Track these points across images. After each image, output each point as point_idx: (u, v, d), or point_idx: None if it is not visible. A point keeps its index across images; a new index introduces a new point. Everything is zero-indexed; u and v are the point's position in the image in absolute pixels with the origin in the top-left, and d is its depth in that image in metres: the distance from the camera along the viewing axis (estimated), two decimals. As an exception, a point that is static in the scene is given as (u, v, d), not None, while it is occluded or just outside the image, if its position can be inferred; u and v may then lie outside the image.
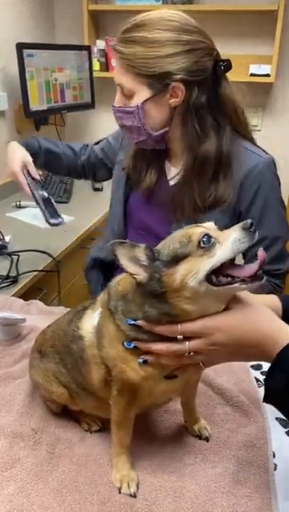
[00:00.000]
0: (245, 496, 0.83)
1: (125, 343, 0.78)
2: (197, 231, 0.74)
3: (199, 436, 0.96)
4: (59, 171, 1.74)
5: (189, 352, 0.75)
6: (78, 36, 2.91)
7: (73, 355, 0.89)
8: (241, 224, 0.73)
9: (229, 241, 0.72)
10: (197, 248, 0.72)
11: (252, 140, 1.34)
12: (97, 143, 1.68)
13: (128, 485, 0.84)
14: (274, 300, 0.86)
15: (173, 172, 1.36)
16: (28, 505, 0.80)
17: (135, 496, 0.83)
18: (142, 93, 1.19)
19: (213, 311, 0.75)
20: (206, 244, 0.72)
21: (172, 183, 1.35)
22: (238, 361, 0.82)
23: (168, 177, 1.37)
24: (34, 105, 2.52)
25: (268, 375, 0.73)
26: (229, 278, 0.73)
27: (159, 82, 1.17)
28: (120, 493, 0.83)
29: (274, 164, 1.31)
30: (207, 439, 0.95)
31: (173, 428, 0.99)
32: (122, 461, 0.87)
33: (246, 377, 1.13)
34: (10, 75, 2.47)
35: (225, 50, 2.81)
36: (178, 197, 1.29)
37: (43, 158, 1.64)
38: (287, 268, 1.36)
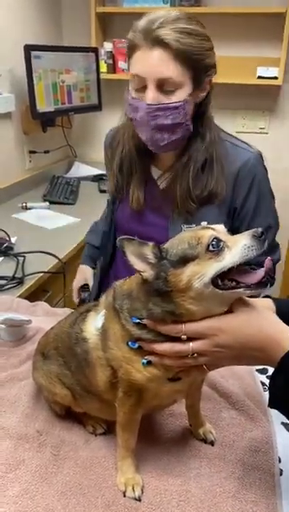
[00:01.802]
0: (250, 501, 0.82)
1: (130, 343, 0.78)
2: (207, 234, 0.74)
3: (204, 440, 0.96)
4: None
5: (193, 353, 0.75)
6: (85, 38, 2.92)
7: (77, 357, 0.89)
8: (251, 231, 0.73)
9: (239, 248, 0.72)
10: (206, 251, 0.72)
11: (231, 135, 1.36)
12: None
13: (133, 488, 0.83)
14: (268, 304, 0.85)
15: (158, 175, 1.34)
16: (32, 506, 0.80)
17: (139, 499, 0.82)
18: (187, 87, 1.15)
19: (216, 313, 0.75)
20: (215, 248, 0.72)
21: (162, 186, 1.33)
22: (242, 365, 0.82)
23: (159, 182, 1.34)
24: (42, 107, 2.52)
25: (272, 379, 0.73)
26: (234, 283, 0.73)
27: (202, 75, 1.17)
28: (124, 496, 0.83)
29: (262, 157, 1.34)
30: (212, 443, 0.95)
31: (178, 431, 0.99)
32: (127, 464, 0.86)
33: (251, 381, 1.12)
34: (18, 76, 2.48)
35: (232, 52, 2.86)
36: (170, 191, 1.28)
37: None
38: (278, 258, 1.39)
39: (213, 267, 0.72)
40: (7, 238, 1.89)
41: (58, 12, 2.95)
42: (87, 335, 0.88)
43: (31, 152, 2.72)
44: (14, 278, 1.65)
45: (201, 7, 2.72)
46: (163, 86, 1.13)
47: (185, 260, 0.73)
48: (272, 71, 2.63)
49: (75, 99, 2.77)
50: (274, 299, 0.86)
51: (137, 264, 0.75)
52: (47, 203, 2.48)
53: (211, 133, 1.25)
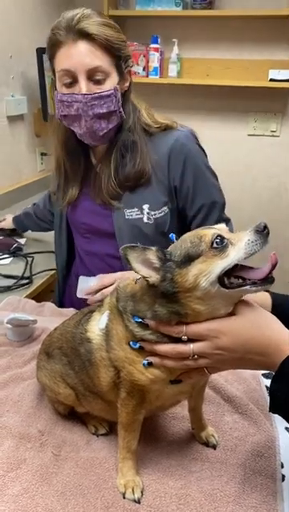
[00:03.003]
0: (251, 506, 0.81)
1: (131, 343, 0.78)
2: (209, 232, 0.74)
3: (206, 444, 0.95)
4: (35, 227, 1.89)
5: (193, 355, 0.75)
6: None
7: (81, 357, 0.89)
8: (254, 226, 0.73)
9: (243, 243, 0.72)
10: (210, 248, 0.72)
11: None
12: None
13: (133, 490, 0.83)
14: (265, 298, 0.85)
15: (95, 163, 1.36)
16: (32, 506, 0.80)
17: (139, 502, 0.82)
18: (114, 76, 1.20)
19: (222, 312, 0.75)
20: (219, 245, 0.72)
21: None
22: (243, 368, 0.82)
23: (97, 169, 1.34)
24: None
25: (272, 383, 0.72)
26: (240, 280, 0.73)
27: (123, 65, 1.22)
28: (124, 498, 0.83)
29: (194, 135, 1.35)
30: (214, 447, 0.94)
31: (181, 434, 0.98)
32: (128, 466, 0.86)
33: (256, 385, 1.11)
34: (30, 79, 2.50)
35: (244, 55, 2.86)
36: (99, 178, 1.31)
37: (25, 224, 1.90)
38: (231, 229, 1.36)
39: (218, 264, 0.71)
40: (16, 239, 1.91)
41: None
42: (91, 336, 0.88)
43: (43, 154, 2.74)
44: (22, 277, 1.67)
45: (214, 10, 2.73)
46: (93, 76, 1.16)
47: (189, 258, 0.73)
48: (284, 74, 2.61)
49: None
50: (271, 293, 0.85)
51: (142, 270, 0.75)
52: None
53: (133, 117, 1.28)
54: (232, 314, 0.75)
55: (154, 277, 0.74)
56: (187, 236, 0.77)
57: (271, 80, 2.65)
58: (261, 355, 0.73)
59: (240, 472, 0.88)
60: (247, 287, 0.72)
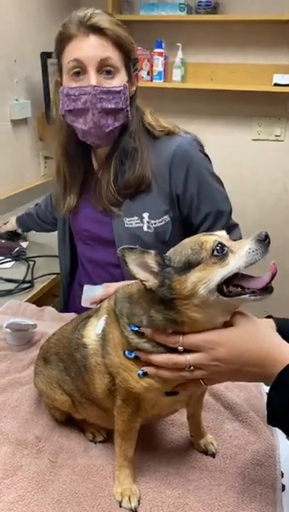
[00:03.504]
0: (249, 517, 0.80)
1: (126, 353, 0.77)
2: (210, 239, 0.73)
3: (205, 452, 0.94)
4: (37, 227, 1.88)
5: (190, 366, 0.73)
6: (102, 45, 2.94)
7: (77, 363, 0.88)
8: (255, 235, 0.72)
9: (244, 252, 0.71)
10: (211, 256, 0.71)
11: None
12: None
13: (129, 499, 0.82)
14: (270, 324, 0.83)
15: (96, 169, 1.34)
16: (27, 514, 0.79)
17: (136, 511, 0.81)
18: (123, 73, 1.18)
19: (220, 320, 0.74)
20: (220, 253, 0.71)
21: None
22: (240, 381, 0.81)
23: (98, 175, 1.32)
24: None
25: (269, 395, 0.71)
26: (239, 289, 0.72)
27: (131, 67, 1.21)
28: (120, 506, 0.82)
29: (198, 142, 1.32)
30: (213, 455, 0.93)
31: (179, 442, 0.97)
32: (124, 474, 0.85)
33: (257, 393, 1.09)
34: (34, 83, 2.51)
35: (248, 59, 2.85)
36: (99, 184, 1.29)
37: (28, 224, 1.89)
38: (239, 237, 1.34)
39: (218, 273, 0.71)
40: (18, 243, 1.91)
41: (76, 20, 2.98)
42: (87, 341, 0.87)
43: (47, 157, 2.74)
44: (24, 281, 1.66)
45: (218, 15, 2.73)
46: (103, 67, 1.14)
47: (189, 266, 0.72)
48: (288, 78, 2.60)
49: (91, 105, 2.78)
50: (276, 319, 0.84)
51: (139, 273, 0.74)
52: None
53: (135, 122, 1.26)
54: (229, 325, 0.74)
55: (152, 281, 0.73)
56: (187, 242, 0.76)
57: (275, 85, 2.64)
58: (258, 367, 0.72)
59: (239, 481, 0.87)
60: (246, 296, 0.72)
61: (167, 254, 0.76)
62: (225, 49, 2.82)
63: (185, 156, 1.26)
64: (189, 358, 0.73)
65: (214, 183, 1.31)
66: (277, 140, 2.91)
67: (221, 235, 0.76)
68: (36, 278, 1.69)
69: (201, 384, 0.77)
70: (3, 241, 1.94)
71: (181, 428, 0.99)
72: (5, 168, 2.41)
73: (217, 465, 0.91)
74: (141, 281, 0.74)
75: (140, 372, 0.76)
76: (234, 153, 2.98)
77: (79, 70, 1.14)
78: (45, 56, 2.41)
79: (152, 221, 1.27)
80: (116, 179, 1.25)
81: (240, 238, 1.32)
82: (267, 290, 0.72)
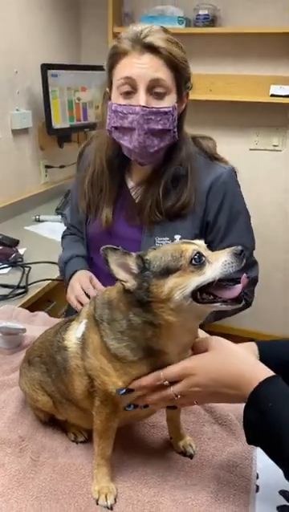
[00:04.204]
0: (221, 515, 0.82)
1: (119, 392, 0.81)
2: (190, 248, 0.76)
3: (184, 453, 0.96)
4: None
5: (177, 396, 0.79)
6: (103, 57, 2.99)
7: (57, 365, 0.91)
8: (232, 248, 0.76)
9: (220, 263, 0.75)
10: (189, 264, 0.75)
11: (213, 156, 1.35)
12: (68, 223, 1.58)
13: (106, 497, 0.84)
14: (252, 347, 0.88)
15: (131, 185, 1.34)
16: (6, 509, 0.82)
17: (111, 508, 0.83)
18: (173, 94, 1.18)
19: (192, 325, 0.79)
20: (197, 262, 0.75)
21: (136, 199, 1.33)
22: (222, 402, 0.87)
23: (132, 193, 1.34)
24: (57, 123, 2.60)
25: (244, 415, 0.74)
26: (211, 297, 0.76)
27: (183, 86, 1.21)
28: (97, 504, 0.84)
29: (236, 173, 1.34)
30: (191, 456, 0.95)
31: (159, 443, 0.99)
32: (102, 473, 0.88)
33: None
34: (35, 93, 2.57)
35: (246, 71, 2.89)
36: (142, 202, 1.29)
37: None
38: (256, 275, 1.38)
39: (194, 280, 0.74)
40: (14, 249, 1.95)
41: (78, 32, 3.05)
42: (68, 344, 0.90)
43: (47, 166, 2.80)
44: (18, 286, 1.70)
45: (216, 27, 2.77)
46: (153, 89, 1.15)
47: (167, 272, 0.75)
48: (285, 90, 2.64)
49: (91, 115, 2.85)
50: (258, 343, 0.89)
51: (120, 274, 0.77)
52: (60, 216, 2.54)
53: (186, 147, 1.27)
54: (204, 350, 0.79)
55: (130, 282, 0.77)
56: (168, 249, 0.79)
57: (273, 96, 2.68)
58: (233, 389, 0.76)
59: (214, 481, 0.89)
60: (218, 304, 0.76)
61: (147, 258, 0.79)
62: (223, 61, 2.87)
63: (223, 186, 1.29)
64: (172, 389, 0.79)
65: (244, 220, 1.35)
66: (275, 150, 2.94)
67: (200, 244, 0.80)
68: (30, 284, 1.73)
69: (168, 394, 0.80)
70: (1, 247, 1.98)
71: (162, 430, 1.01)
72: (6, 176, 2.46)
73: (194, 466, 0.93)
74: (120, 281, 0.77)
75: (121, 391, 0.81)
76: (232, 162, 3.00)
77: (130, 88, 1.15)
78: (45, 68, 2.47)
79: None
80: (162, 202, 1.26)
81: (256, 277, 1.38)
82: (237, 300, 0.76)
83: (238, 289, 0.76)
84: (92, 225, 1.41)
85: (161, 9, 2.81)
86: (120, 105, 1.17)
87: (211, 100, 2.88)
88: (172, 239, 1.27)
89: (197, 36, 2.85)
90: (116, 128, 1.20)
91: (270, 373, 0.74)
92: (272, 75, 2.76)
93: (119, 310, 0.80)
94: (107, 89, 1.25)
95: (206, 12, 2.72)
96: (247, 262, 1.31)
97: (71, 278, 1.41)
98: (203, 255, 0.76)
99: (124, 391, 0.80)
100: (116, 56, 1.17)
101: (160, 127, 1.17)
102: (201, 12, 2.74)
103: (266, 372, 0.74)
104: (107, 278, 1.37)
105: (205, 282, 0.75)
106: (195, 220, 1.30)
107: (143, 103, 1.14)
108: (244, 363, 0.77)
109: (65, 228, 1.63)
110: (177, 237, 1.27)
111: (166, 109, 1.16)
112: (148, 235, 1.29)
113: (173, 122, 1.18)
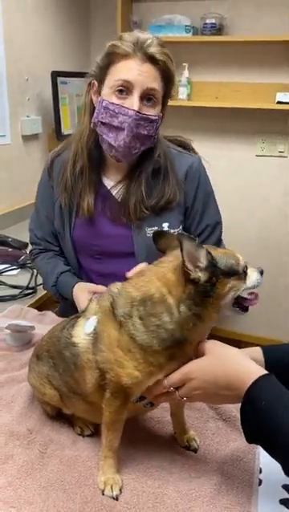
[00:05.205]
0: (224, 507, 0.84)
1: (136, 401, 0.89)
2: (242, 259, 0.88)
3: (188, 447, 0.98)
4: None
5: (183, 398, 0.85)
6: (112, 65, 3.05)
7: (65, 360, 0.94)
8: (258, 268, 0.91)
9: (254, 277, 0.89)
10: (242, 271, 0.87)
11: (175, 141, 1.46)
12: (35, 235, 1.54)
13: (112, 487, 0.86)
14: (257, 352, 0.93)
15: (110, 185, 1.37)
16: (14, 498, 0.84)
17: (117, 499, 0.85)
18: (160, 105, 1.26)
19: (215, 321, 0.87)
20: (245, 272, 0.88)
21: (118, 197, 1.36)
22: (224, 403, 0.92)
23: (113, 193, 1.36)
24: (66, 129, 2.65)
25: (241, 415, 0.77)
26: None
27: (167, 98, 1.30)
28: (103, 494, 0.86)
29: (201, 160, 1.45)
30: (195, 450, 0.97)
31: (163, 437, 1.01)
32: (108, 464, 0.90)
33: (242, 394, 1.13)
34: (45, 100, 2.62)
35: (252, 78, 2.93)
36: (125, 199, 1.34)
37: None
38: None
39: (243, 285, 0.87)
40: (24, 252, 1.98)
41: (87, 40, 3.12)
42: (77, 340, 0.92)
43: (56, 171, 2.84)
44: (27, 287, 1.73)
45: (223, 36, 2.82)
46: (145, 96, 1.21)
47: (231, 273, 0.85)
48: (291, 97, 2.67)
49: (99, 122, 2.88)
50: (263, 347, 0.93)
51: (188, 263, 0.80)
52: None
53: (161, 146, 1.34)
54: (201, 354, 0.85)
55: (198, 274, 0.80)
56: (226, 253, 0.87)
57: (279, 103, 2.71)
58: (229, 390, 0.79)
59: (218, 474, 0.91)
60: (237, 309, 0.89)
61: (214, 255, 0.83)
62: (230, 68, 2.91)
63: (196, 173, 1.40)
64: (178, 394, 0.85)
65: (214, 200, 1.46)
66: (281, 156, 2.97)
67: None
68: (39, 285, 1.76)
69: (175, 397, 0.86)
70: (10, 249, 2.02)
71: (167, 425, 1.03)
72: (16, 181, 2.51)
73: (197, 460, 0.95)
74: (188, 270, 0.80)
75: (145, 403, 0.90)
76: (238, 169, 3.05)
77: (125, 90, 1.20)
78: (55, 75, 2.52)
79: (172, 231, 1.34)
80: (146, 198, 1.32)
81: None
82: (246, 310, 0.89)
83: (255, 301, 0.89)
84: (78, 229, 1.40)
85: (169, 18, 2.87)
86: (113, 104, 1.21)
87: (218, 107, 2.92)
88: (161, 228, 1.34)
89: (205, 44, 2.90)
90: (103, 123, 1.24)
91: (263, 372, 0.77)
92: (278, 82, 2.80)
93: (163, 305, 0.82)
94: (95, 81, 1.27)
95: (213, 21, 2.77)
96: (219, 239, 1.45)
97: (72, 292, 1.38)
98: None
99: (136, 399, 0.87)
100: (115, 55, 1.20)
101: (145, 132, 1.24)
102: (208, 21, 2.79)
103: (259, 372, 0.77)
104: (96, 276, 1.43)
105: (248, 288, 0.88)
106: (179, 208, 1.39)
107: (136, 108, 1.19)
108: (237, 365, 0.81)
109: (32, 246, 1.57)
110: (165, 224, 1.36)
111: (154, 117, 1.24)
112: (139, 229, 1.35)
113: (156, 130, 1.27)
